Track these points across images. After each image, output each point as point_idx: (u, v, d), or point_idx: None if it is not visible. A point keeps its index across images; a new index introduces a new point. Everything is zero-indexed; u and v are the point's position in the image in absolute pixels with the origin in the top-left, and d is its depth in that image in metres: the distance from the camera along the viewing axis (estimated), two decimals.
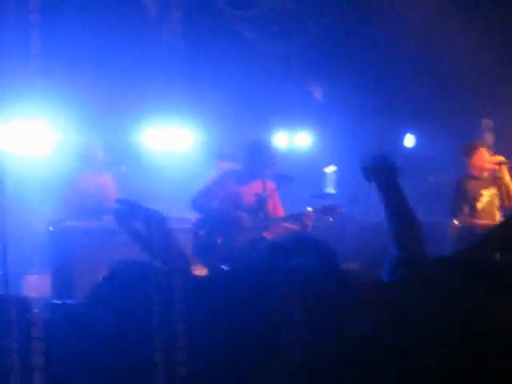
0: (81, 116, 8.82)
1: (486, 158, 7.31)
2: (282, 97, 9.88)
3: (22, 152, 8.25)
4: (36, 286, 7.79)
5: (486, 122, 10.51)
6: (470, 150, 7.46)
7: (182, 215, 7.78)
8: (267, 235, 6.45)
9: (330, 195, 8.13)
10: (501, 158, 7.31)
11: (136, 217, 3.20)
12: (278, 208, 6.67)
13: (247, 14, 10.18)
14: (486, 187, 7.31)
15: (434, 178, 10.56)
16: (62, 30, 8.33)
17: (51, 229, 7.81)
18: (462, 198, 7.31)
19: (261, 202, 6.43)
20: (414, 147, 10.53)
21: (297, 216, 6.47)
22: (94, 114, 8.96)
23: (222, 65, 9.50)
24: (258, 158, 6.46)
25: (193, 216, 6.86)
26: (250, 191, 6.48)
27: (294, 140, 10.66)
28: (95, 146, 8.53)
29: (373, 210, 10.78)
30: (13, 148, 7.72)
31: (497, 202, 7.32)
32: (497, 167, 7.32)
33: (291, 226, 6.54)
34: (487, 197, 7.30)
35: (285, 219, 6.60)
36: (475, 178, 7.33)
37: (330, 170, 9.44)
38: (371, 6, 9.63)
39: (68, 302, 2.08)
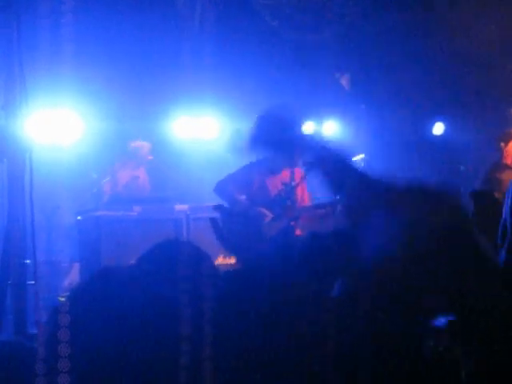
0: (109, 105, 8.87)
1: None
2: (310, 85, 9.85)
3: (50, 141, 8.35)
4: (65, 274, 7.88)
5: None
6: (506, 138, 7.18)
7: (211, 205, 7.81)
8: (295, 223, 6.43)
9: None
10: None
11: None
12: (305, 196, 6.65)
13: (272, 3, 10.16)
14: None
15: (463, 166, 10.46)
16: (89, 19, 8.37)
17: (79, 218, 7.89)
18: (495, 187, 7.09)
19: (288, 191, 6.40)
20: (443, 135, 10.44)
21: (329, 203, 6.41)
22: (123, 103, 9.00)
23: (249, 54, 9.49)
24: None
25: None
26: (277, 180, 6.46)
27: (321, 128, 10.62)
28: (145, 147, 8.86)
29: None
30: (41, 137, 7.80)
31: None
32: None
33: (320, 213, 6.49)
34: None
35: (313, 208, 6.57)
36: (509, 168, 7.08)
37: (358, 157, 9.37)
38: None
39: None
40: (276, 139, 2.07)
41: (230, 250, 6.44)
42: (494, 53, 9.77)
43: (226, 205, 6.65)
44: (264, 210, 6.34)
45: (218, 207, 6.51)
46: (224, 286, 1.95)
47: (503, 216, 2.06)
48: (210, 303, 1.91)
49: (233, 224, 6.35)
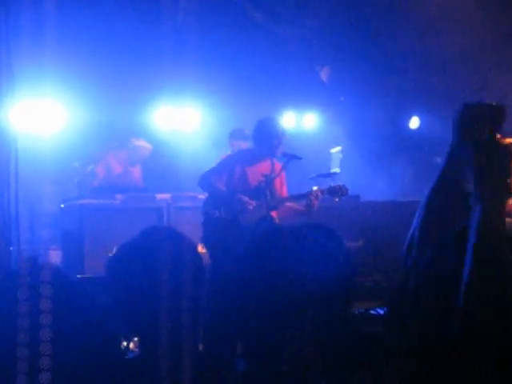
0: (93, 95, 8.92)
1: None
2: (290, 77, 9.94)
3: (33, 131, 8.40)
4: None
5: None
6: None
7: (192, 194, 7.92)
8: (273, 214, 6.53)
9: (335, 174, 8.18)
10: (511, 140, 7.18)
11: None
12: (283, 187, 6.73)
13: None
14: None
15: (440, 159, 10.64)
16: (74, 9, 8.41)
17: (63, 206, 7.95)
18: None
19: (268, 182, 6.48)
20: (419, 129, 10.60)
21: (303, 196, 6.52)
22: (105, 93, 9.05)
23: (231, 46, 9.56)
24: (266, 135, 6.49)
25: (203, 195, 6.94)
26: (258, 171, 6.52)
27: (301, 120, 10.74)
28: (146, 148, 8.99)
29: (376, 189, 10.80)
30: (24, 127, 7.85)
31: None
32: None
33: (297, 205, 6.62)
34: None
35: (291, 199, 6.67)
36: None
37: (336, 149, 9.51)
38: None
39: None
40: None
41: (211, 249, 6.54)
42: (469, 47, 9.93)
43: (207, 196, 6.74)
44: (246, 198, 6.42)
45: (203, 220, 6.65)
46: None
47: (412, 227, 2.07)
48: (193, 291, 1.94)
49: (212, 226, 6.49)
